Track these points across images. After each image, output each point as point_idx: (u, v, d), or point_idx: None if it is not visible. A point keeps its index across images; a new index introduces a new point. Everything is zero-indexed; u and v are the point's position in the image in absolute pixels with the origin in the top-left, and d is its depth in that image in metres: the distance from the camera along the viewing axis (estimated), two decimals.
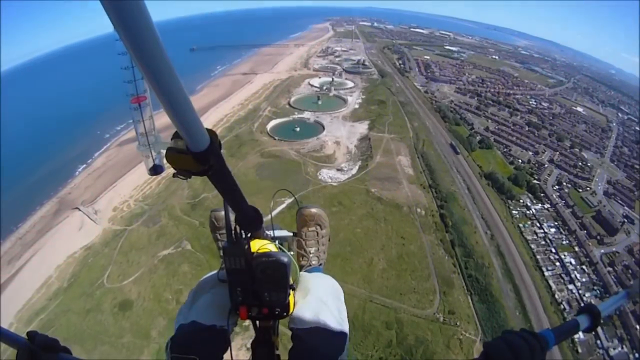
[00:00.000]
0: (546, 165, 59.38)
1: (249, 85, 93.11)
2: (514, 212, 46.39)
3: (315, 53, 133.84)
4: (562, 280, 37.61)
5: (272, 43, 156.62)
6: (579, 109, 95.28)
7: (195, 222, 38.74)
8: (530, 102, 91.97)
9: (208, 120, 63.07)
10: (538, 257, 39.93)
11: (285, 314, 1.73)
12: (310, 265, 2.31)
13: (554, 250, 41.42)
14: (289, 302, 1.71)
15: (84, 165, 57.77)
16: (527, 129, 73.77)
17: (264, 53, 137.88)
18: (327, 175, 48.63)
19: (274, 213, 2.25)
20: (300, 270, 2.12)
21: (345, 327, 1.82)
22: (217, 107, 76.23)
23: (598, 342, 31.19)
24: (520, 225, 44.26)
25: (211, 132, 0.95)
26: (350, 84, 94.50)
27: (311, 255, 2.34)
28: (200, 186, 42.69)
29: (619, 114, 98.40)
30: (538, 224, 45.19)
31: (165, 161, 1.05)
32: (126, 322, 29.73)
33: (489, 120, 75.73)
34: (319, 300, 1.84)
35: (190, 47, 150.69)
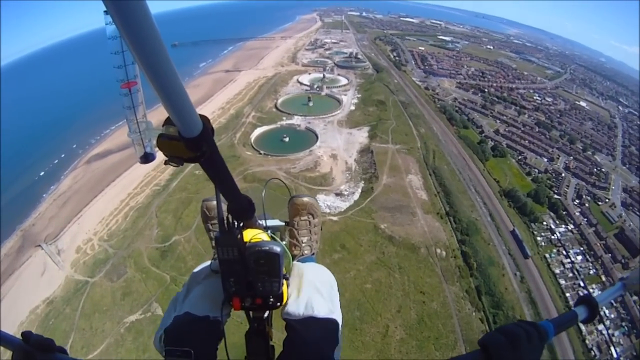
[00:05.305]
0: (563, 175, 55.41)
1: (232, 85, 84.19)
2: (538, 238, 41.17)
3: (303, 46, 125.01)
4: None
5: (258, 36, 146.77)
6: (582, 103, 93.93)
7: (165, 277, 31.26)
8: (535, 98, 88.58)
9: None
10: (567, 294, 35.41)
11: (278, 304, 1.67)
12: (303, 255, 2.25)
13: (582, 284, 37.27)
14: (282, 292, 1.66)
15: (52, 188, 51.31)
16: (537, 129, 69.89)
17: (249, 47, 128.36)
18: (325, 203, 40.58)
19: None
20: (293, 260, 2.07)
21: (338, 316, 1.80)
22: None
23: None
24: (547, 255, 39.30)
25: (203, 118, 0.93)
26: (343, 81, 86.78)
27: (304, 244, 2.27)
28: (171, 224, 34.98)
29: (620, 107, 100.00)
30: (564, 252, 40.54)
31: (157, 149, 1.05)
32: None
33: (497, 121, 70.94)
34: (313, 289, 1.81)
35: (172, 43, 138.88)
